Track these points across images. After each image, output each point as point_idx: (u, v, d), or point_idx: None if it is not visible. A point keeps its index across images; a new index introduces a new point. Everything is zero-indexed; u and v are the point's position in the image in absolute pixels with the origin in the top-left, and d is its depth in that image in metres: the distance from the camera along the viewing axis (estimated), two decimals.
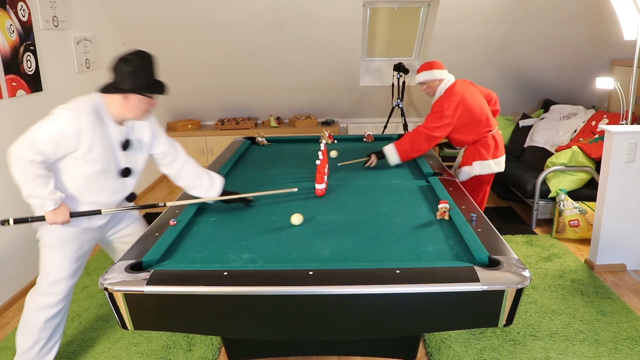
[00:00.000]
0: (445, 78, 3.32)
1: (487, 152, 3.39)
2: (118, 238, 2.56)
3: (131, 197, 2.45)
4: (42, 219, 2.23)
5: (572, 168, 4.13)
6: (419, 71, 3.36)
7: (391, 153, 3.28)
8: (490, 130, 3.38)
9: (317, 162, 2.78)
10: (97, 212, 2.30)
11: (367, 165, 3.32)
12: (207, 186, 2.58)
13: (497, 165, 3.44)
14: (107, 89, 2.19)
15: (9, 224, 2.23)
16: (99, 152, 2.19)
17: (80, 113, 2.13)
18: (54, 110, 2.14)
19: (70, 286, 2.40)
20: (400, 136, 4.16)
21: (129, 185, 2.41)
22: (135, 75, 2.14)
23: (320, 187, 2.79)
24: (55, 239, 2.30)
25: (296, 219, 2.38)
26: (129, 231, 2.57)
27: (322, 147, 2.99)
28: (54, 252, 2.32)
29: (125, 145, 2.31)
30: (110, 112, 2.23)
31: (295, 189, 2.67)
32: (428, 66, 3.32)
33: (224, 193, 2.62)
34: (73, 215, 2.26)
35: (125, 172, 2.35)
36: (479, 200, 3.54)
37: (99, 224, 2.41)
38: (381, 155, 3.30)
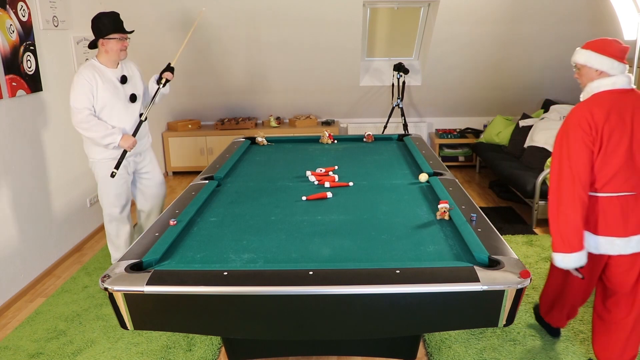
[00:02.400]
0: (607, 72, 2.12)
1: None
2: (141, 180, 3.50)
3: (143, 117, 3.35)
4: (124, 152, 3.19)
5: None
6: (583, 47, 2.20)
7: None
8: (609, 192, 2.12)
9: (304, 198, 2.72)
10: (140, 122, 3.28)
11: None
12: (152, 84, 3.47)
13: (593, 243, 2.18)
14: (90, 45, 3.20)
15: (115, 173, 3.16)
16: (104, 87, 3.13)
17: (83, 71, 3.11)
18: (75, 79, 3.08)
19: (121, 206, 3.37)
20: (400, 136, 4.16)
21: (137, 108, 3.32)
22: (101, 25, 3.08)
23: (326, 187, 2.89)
24: (100, 175, 3.27)
25: (423, 177, 2.94)
26: (148, 169, 3.49)
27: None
28: (103, 185, 3.30)
29: (123, 80, 3.23)
30: (102, 63, 3.18)
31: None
32: (596, 46, 2.15)
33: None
34: (133, 134, 3.22)
35: (133, 98, 3.28)
36: (569, 286, 2.40)
37: (130, 153, 3.29)
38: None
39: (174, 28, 4.92)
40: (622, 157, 2.08)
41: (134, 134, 3.23)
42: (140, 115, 3.32)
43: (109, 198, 3.32)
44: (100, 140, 3.10)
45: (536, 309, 2.90)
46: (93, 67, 3.14)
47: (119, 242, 3.46)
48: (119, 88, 3.20)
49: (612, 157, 2.08)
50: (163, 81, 3.38)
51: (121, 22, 3.16)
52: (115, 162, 3.21)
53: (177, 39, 5.01)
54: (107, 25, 3.08)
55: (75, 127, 3.09)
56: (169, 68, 3.41)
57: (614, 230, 2.15)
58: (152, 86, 3.45)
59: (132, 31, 3.28)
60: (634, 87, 2.18)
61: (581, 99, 2.19)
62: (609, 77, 2.13)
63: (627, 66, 2.15)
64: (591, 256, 2.22)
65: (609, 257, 2.23)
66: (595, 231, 2.18)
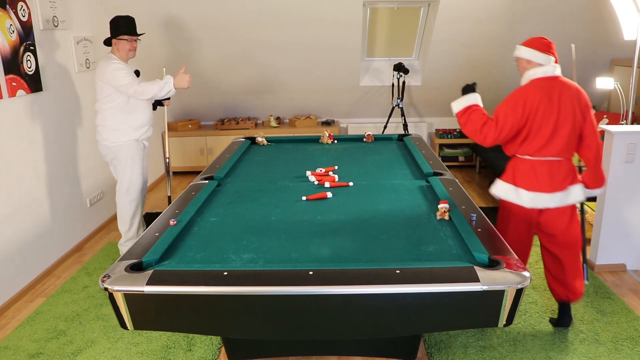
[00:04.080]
0: (539, 63, 2.59)
1: (516, 174, 2.68)
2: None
3: (155, 106, 3.84)
4: (166, 95, 3.59)
5: None
6: (521, 44, 2.68)
7: (457, 106, 2.75)
8: (539, 157, 2.60)
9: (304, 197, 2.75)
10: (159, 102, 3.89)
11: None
12: None
13: (525, 196, 2.64)
14: (104, 42, 3.55)
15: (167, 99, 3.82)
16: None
17: (112, 59, 3.45)
18: (110, 67, 3.38)
19: (142, 183, 3.71)
20: (400, 136, 4.16)
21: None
22: (115, 27, 3.46)
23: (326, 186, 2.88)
24: (128, 153, 3.58)
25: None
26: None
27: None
28: (129, 161, 3.60)
29: (137, 74, 3.58)
30: (118, 58, 3.50)
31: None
32: (530, 42, 2.63)
33: None
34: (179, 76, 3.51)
35: None
36: (502, 231, 2.81)
37: (146, 136, 3.70)
38: (465, 91, 2.78)
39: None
40: (550, 130, 2.55)
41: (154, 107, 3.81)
42: (154, 105, 3.81)
43: (133, 177, 3.62)
44: (160, 92, 3.43)
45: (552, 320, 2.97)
46: (116, 60, 3.47)
47: (133, 221, 3.71)
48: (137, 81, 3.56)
49: (543, 130, 2.55)
50: (165, 105, 4.02)
51: (134, 25, 3.50)
52: (133, 140, 3.58)
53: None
54: (120, 27, 3.44)
55: (139, 96, 3.43)
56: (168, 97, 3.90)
57: (543, 186, 2.61)
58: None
59: (142, 34, 3.64)
60: (560, 74, 2.61)
61: (521, 84, 2.65)
62: (540, 66, 2.59)
63: (552, 58, 2.59)
64: (525, 210, 2.67)
65: (540, 210, 2.68)
66: (528, 188, 2.63)
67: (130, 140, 3.57)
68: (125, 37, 3.44)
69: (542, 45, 2.61)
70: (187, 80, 3.46)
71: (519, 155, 2.68)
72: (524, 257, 2.81)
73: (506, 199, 2.74)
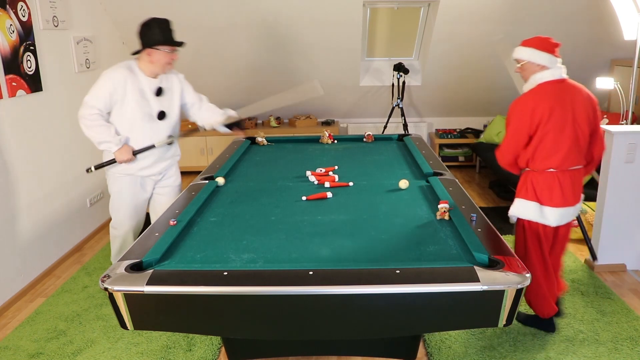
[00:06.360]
0: (547, 66, 2.46)
1: (537, 191, 2.51)
2: (158, 191, 3.15)
3: (171, 140, 3.05)
4: (113, 161, 2.87)
5: None
6: (523, 44, 2.52)
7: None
8: (558, 168, 2.47)
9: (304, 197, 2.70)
10: (152, 147, 2.92)
11: None
12: (218, 112, 3.16)
13: (550, 215, 2.50)
14: (135, 52, 2.87)
15: (92, 170, 2.92)
16: (132, 97, 2.81)
17: (115, 70, 2.80)
18: (103, 74, 2.81)
19: (130, 225, 3.07)
20: (400, 136, 4.16)
21: (165, 127, 2.97)
22: (152, 33, 2.77)
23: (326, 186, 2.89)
24: (114, 187, 3.00)
25: (403, 184, 2.82)
26: (166, 183, 3.15)
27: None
28: (115, 199, 3.02)
29: (158, 92, 2.89)
30: (141, 69, 2.86)
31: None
32: (533, 42, 2.48)
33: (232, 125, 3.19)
34: (135, 152, 2.88)
35: (161, 115, 2.93)
36: (521, 253, 2.66)
37: (148, 174, 3.02)
38: None
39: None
40: (570, 138, 2.44)
41: (137, 153, 2.90)
42: (169, 137, 3.00)
43: (119, 216, 3.05)
44: (97, 144, 2.85)
45: (519, 316, 2.90)
46: (130, 71, 2.83)
47: (115, 252, 3.18)
48: (149, 101, 2.87)
49: (563, 140, 2.42)
50: (242, 136, 3.58)
51: (172, 32, 2.84)
52: (125, 174, 2.96)
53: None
54: (157, 35, 2.77)
55: (78, 120, 2.83)
56: (243, 127, 3.25)
57: (568, 200, 2.49)
58: (216, 119, 3.15)
59: (183, 43, 2.90)
60: (567, 77, 2.51)
61: (524, 90, 2.50)
62: (548, 69, 2.46)
63: (559, 59, 2.48)
64: (550, 229, 2.55)
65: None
66: (556, 204, 2.48)
67: (122, 174, 2.94)
68: (165, 48, 2.79)
69: (549, 45, 2.47)
70: (127, 158, 2.84)
71: (539, 170, 2.51)
72: (553, 281, 2.68)
73: (530, 219, 2.56)
